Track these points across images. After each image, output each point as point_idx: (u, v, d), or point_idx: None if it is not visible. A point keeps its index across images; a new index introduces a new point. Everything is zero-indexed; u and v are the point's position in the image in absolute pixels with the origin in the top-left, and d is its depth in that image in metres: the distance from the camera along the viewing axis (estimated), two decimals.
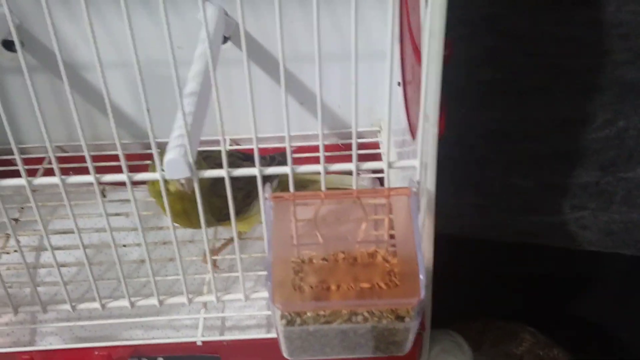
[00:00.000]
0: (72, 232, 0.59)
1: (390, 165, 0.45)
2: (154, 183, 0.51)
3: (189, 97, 0.51)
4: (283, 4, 0.68)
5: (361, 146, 0.76)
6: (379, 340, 0.45)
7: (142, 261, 0.59)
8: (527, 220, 0.79)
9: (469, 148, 0.72)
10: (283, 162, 0.64)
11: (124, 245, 0.61)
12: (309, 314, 0.43)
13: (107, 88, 0.44)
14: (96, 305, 0.52)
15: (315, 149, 0.72)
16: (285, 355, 0.47)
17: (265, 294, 0.55)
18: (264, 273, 0.59)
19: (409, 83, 0.60)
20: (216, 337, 0.52)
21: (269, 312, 0.57)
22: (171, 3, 0.68)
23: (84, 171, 0.47)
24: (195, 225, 0.51)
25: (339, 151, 0.76)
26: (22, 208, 0.65)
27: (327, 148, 0.78)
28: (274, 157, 0.63)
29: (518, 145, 0.74)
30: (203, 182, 0.46)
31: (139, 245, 0.61)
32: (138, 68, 0.42)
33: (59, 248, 0.60)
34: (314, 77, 0.72)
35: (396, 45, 0.64)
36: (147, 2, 0.66)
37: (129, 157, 0.70)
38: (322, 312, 0.43)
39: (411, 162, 0.45)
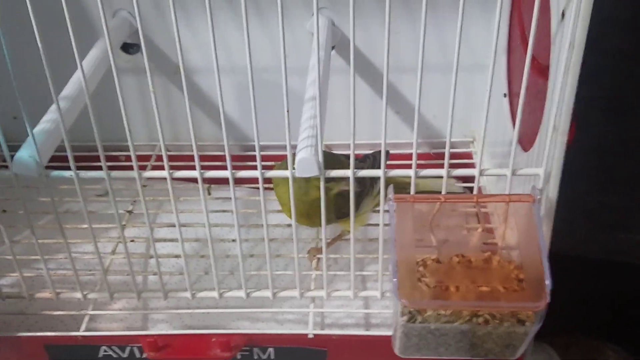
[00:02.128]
0: (182, 225, 0.63)
1: (513, 173, 0.46)
2: (281, 185, 0.54)
3: (310, 101, 0.54)
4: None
5: (453, 156, 0.77)
6: (495, 343, 0.46)
7: (251, 255, 0.62)
8: (617, 238, 0.78)
9: (564, 163, 0.72)
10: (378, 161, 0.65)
11: (233, 240, 0.64)
12: (429, 312, 0.45)
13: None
14: (214, 294, 0.54)
15: (406, 156, 0.73)
16: (397, 352, 0.49)
17: (369, 292, 0.57)
18: (368, 273, 0.61)
19: (519, 94, 0.61)
20: (327, 331, 0.54)
21: (370, 311, 0.59)
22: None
23: (190, 169, 0.49)
24: (316, 223, 0.54)
25: (430, 160, 0.78)
26: (135, 201, 0.68)
27: (419, 157, 0.80)
28: (368, 156, 0.65)
29: (614, 162, 0.74)
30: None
31: (246, 240, 0.63)
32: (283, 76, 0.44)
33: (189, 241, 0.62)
34: (412, 87, 0.75)
35: (502, 58, 0.65)
36: (259, 12, 0.69)
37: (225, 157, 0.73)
38: (442, 312, 0.44)
39: (535, 170, 0.46)
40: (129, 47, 0.72)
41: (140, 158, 0.73)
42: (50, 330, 0.55)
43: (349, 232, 0.64)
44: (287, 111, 0.45)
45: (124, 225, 0.65)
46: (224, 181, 0.49)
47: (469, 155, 0.77)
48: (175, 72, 0.74)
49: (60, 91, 0.55)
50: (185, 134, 0.77)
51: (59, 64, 0.45)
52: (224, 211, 0.66)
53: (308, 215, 0.53)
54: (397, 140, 0.76)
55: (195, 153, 0.46)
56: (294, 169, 0.47)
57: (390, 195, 0.47)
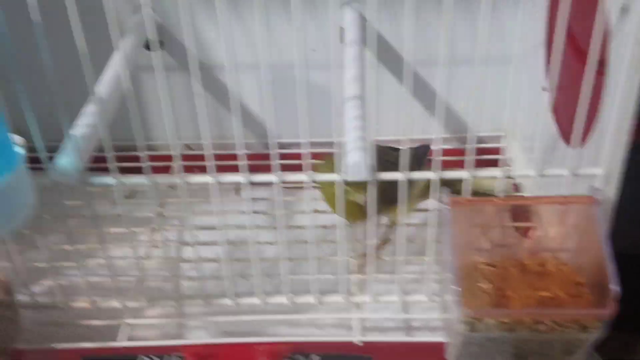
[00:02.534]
0: (215, 228, 0.61)
1: (573, 172, 0.45)
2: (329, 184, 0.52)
3: (353, 100, 0.52)
4: (419, 7, 0.69)
5: (482, 151, 0.76)
6: (555, 349, 0.45)
7: (290, 260, 0.60)
8: None
9: None
10: (422, 156, 0.63)
11: (268, 243, 0.62)
12: (490, 320, 0.43)
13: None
14: (255, 300, 0.53)
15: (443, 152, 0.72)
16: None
17: (417, 297, 0.55)
18: (411, 276, 0.60)
19: (560, 88, 0.59)
20: (372, 338, 0.53)
21: (418, 316, 0.57)
22: (309, 7, 0.69)
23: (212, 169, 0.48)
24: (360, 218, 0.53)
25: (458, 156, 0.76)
26: (164, 204, 0.67)
27: (448, 152, 0.78)
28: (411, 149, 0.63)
29: None
30: None
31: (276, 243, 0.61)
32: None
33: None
34: (443, 81, 0.73)
35: (540, 51, 0.63)
36: (285, 5, 0.67)
37: (251, 156, 0.72)
38: (503, 319, 0.43)
39: (593, 170, 0.45)
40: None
41: (165, 158, 0.73)
42: (88, 341, 0.53)
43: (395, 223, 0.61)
44: (334, 113, 0.43)
45: (156, 228, 0.63)
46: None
47: (497, 151, 0.75)
48: (199, 69, 0.72)
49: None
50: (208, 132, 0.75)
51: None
52: (255, 212, 0.64)
53: (351, 211, 0.52)
54: (430, 135, 0.74)
55: (241, 157, 0.45)
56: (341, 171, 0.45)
57: (445, 199, 0.46)
